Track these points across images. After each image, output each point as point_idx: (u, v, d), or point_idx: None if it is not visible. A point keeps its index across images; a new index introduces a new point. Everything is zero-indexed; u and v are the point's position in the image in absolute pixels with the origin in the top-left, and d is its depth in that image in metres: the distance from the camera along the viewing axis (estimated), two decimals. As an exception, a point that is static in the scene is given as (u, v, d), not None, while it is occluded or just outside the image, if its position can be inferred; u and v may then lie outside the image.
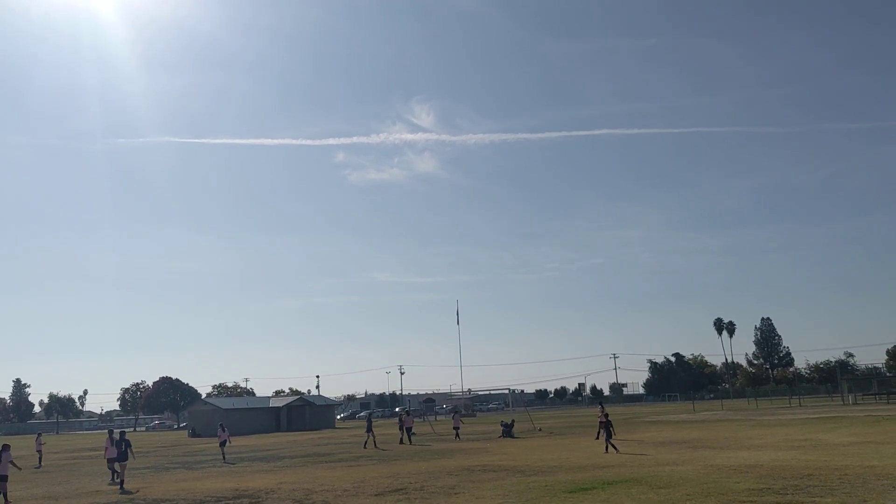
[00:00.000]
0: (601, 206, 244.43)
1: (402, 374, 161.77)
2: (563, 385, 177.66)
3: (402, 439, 37.19)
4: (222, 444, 34.87)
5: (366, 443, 38.03)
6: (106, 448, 25.97)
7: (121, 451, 22.85)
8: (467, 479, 19.83)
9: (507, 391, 58.83)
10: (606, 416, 27.67)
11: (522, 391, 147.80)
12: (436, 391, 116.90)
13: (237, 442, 54.23)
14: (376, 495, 17.15)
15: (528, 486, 17.24)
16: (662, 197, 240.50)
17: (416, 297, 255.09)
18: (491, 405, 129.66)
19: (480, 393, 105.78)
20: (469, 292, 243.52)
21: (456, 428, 42.76)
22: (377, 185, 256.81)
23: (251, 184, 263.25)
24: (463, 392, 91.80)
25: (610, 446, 26.07)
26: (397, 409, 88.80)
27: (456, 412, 39.90)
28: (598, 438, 31.28)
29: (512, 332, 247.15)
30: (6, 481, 19.63)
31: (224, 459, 33.25)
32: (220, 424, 36.89)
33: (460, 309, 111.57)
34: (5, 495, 19.65)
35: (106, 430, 31.63)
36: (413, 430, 42.09)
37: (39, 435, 29.23)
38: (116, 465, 23.83)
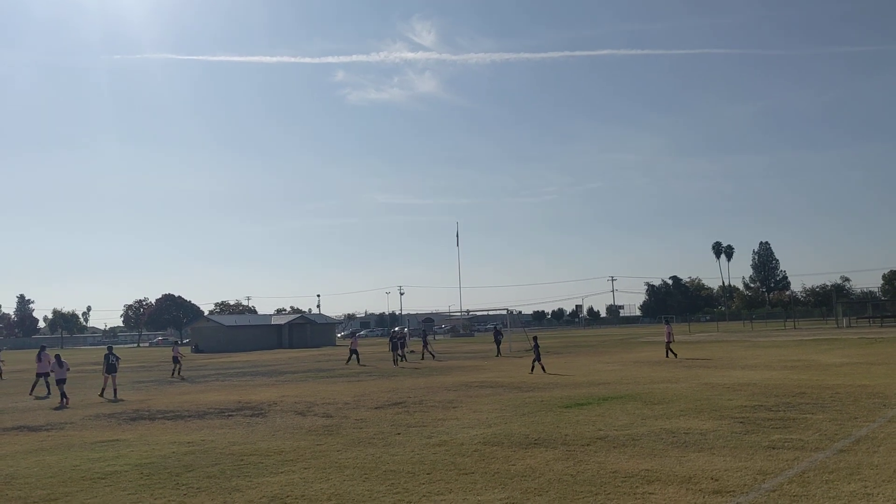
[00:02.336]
0: (600, 130, 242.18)
1: (401, 294, 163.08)
2: (561, 307, 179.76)
3: (395, 359, 37.69)
4: (175, 359, 34.87)
5: (348, 360, 38.98)
6: (38, 363, 26.62)
7: (109, 363, 24.85)
8: (465, 394, 20.19)
9: (504, 312, 59.28)
10: (535, 339, 28.12)
11: (520, 312, 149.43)
12: (435, 311, 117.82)
13: (240, 357, 55.02)
14: (376, 408, 17.49)
15: (524, 402, 17.56)
16: (662, 121, 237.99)
17: (415, 219, 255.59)
18: (489, 326, 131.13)
19: (479, 314, 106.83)
20: (468, 215, 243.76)
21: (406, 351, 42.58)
22: (377, 106, 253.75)
23: (249, 103, 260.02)
24: (461, 313, 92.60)
25: (538, 367, 26.59)
26: (395, 329, 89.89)
27: (399, 339, 38.80)
28: (668, 357, 31.44)
29: (510, 255, 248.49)
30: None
31: (176, 375, 33.86)
32: (174, 343, 37.84)
33: (460, 230, 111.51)
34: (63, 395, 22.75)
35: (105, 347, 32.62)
36: (408, 350, 42.57)
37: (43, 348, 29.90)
38: (109, 379, 24.95)
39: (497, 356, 40.65)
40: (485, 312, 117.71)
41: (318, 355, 41.01)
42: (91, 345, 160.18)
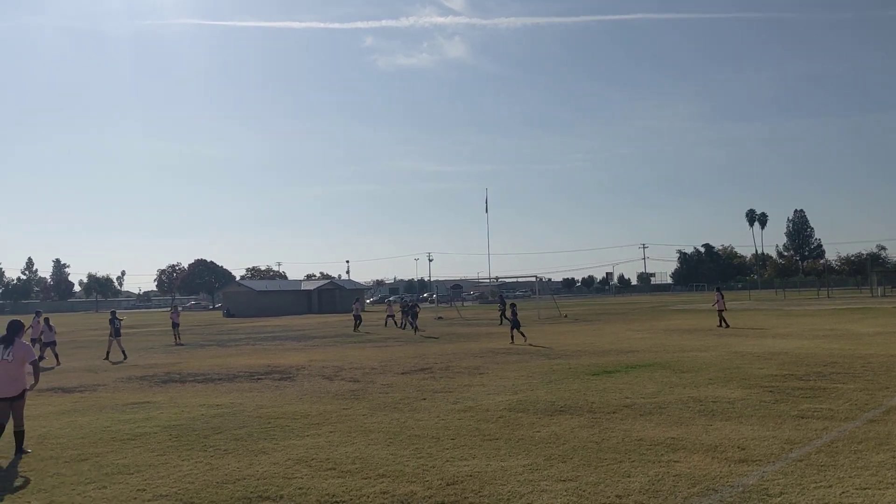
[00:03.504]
0: (630, 96, 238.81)
1: (430, 261, 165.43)
2: (591, 274, 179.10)
3: (403, 324, 37.63)
4: (175, 325, 34.39)
5: (355, 327, 38.37)
6: (31, 328, 26.30)
7: (115, 327, 26.03)
8: (491, 360, 20.24)
9: (533, 279, 59.11)
10: (514, 306, 27.24)
11: (549, 279, 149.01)
12: (464, 278, 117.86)
13: (270, 322, 55.60)
14: (402, 374, 17.60)
15: (551, 369, 17.56)
16: (693, 86, 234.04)
17: (444, 186, 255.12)
18: (517, 293, 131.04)
19: (507, 280, 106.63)
20: (497, 182, 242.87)
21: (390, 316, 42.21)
22: (406, 71, 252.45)
23: (277, 68, 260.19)
24: (490, 279, 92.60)
25: (519, 335, 25.90)
26: (405, 298, 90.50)
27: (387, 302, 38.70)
28: (720, 326, 31.07)
29: (540, 221, 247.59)
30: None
31: (179, 340, 33.51)
32: (175, 307, 36.88)
33: (489, 197, 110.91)
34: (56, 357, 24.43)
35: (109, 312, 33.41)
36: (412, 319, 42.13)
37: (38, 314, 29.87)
38: (115, 343, 26.07)
39: (500, 325, 40.64)
40: (514, 279, 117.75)
41: (346, 321, 41.35)
42: (126, 308, 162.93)
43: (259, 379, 17.42)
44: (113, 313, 26.94)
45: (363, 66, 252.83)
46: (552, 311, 49.49)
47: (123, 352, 25.93)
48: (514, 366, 18.55)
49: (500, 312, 42.70)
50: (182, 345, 31.88)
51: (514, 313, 26.45)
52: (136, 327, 54.24)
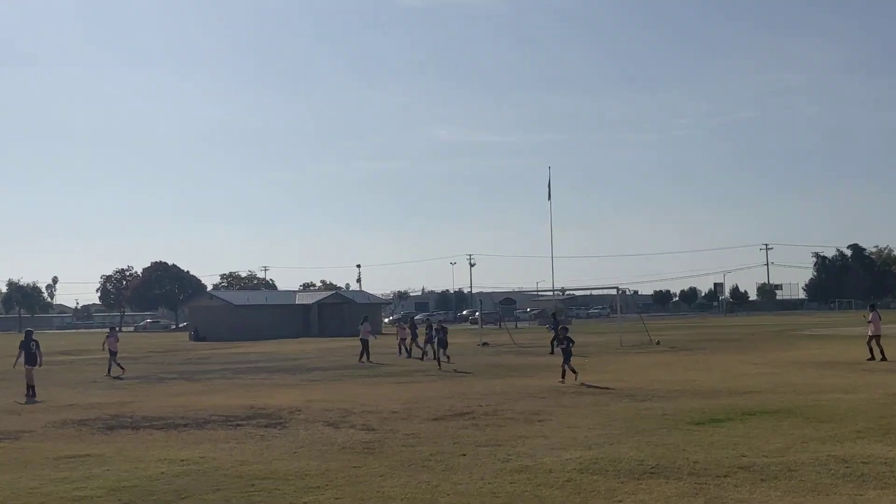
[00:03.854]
0: (755, 40, 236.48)
1: (471, 266, 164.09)
2: (693, 286, 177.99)
3: (423, 353, 37.83)
4: (112, 354, 34.50)
5: (361, 356, 38.68)
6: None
7: (30, 352, 25.83)
8: (555, 402, 20.27)
9: (614, 292, 59.00)
10: (564, 329, 26.81)
11: (636, 292, 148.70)
12: (518, 290, 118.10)
13: (253, 348, 56.04)
14: (433, 420, 17.67)
15: (638, 414, 17.52)
16: (841, 26, 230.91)
17: (490, 164, 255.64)
18: (592, 310, 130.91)
19: (577, 293, 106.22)
20: (565, 158, 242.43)
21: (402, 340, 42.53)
22: (440, 6, 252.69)
23: (264, 9, 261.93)
24: (554, 292, 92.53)
25: (568, 370, 25.29)
26: (417, 317, 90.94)
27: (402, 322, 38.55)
28: (872, 358, 30.73)
29: (623, 213, 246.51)
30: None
31: (109, 373, 33.47)
32: (111, 328, 37.12)
33: (553, 179, 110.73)
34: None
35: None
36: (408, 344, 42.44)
37: None
38: (33, 373, 25.77)
39: (552, 354, 40.49)
40: (586, 292, 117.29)
41: (357, 346, 41.33)
42: (59, 327, 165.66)
43: (239, 425, 17.60)
44: (28, 333, 26.92)
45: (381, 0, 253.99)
46: (639, 336, 49.23)
47: (30, 387, 25.24)
48: (586, 410, 18.53)
49: (552, 338, 42.40)
50: (121, 378, 32.13)
51: (564, 340, 25.83)
52: (72, 353, 55.05)
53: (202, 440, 15.72)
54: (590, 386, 24.00)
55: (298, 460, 13.30)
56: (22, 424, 18.87)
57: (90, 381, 30.90)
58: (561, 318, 47.36)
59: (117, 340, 35.68)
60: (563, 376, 25.32)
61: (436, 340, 36.30)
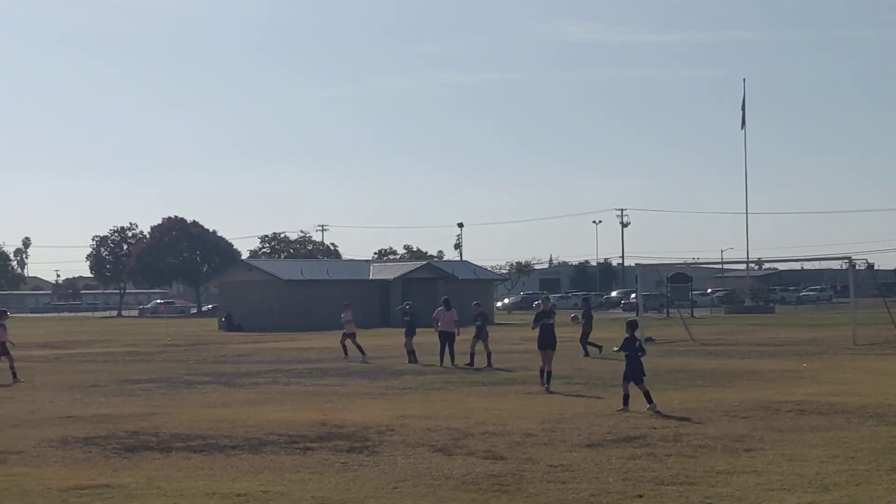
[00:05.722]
0: None
1: (623, 225, 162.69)
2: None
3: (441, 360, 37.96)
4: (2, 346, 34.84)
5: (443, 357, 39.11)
6: None
7: None
8: (766, 424, 20.24)
9: (840, 264, 58.18)
10: (631, 325, 25.12)
11: (871, 265, 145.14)
12: (693, 261, 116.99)
13: (311, 341, 56.49)
14: (588, 446, 17.81)
15: (893, 444, 17.44)
16: None
17: (646, 73, 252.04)
18: (806, 291, 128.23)
19: (781, 266, 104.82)
20: (761, 67, 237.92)
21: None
22: None
23: None
24: (748, 265, 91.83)
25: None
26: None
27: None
28: None
29: (847, 152, 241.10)
30: None
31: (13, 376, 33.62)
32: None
33: (747, 97, 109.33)
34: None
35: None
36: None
37: None
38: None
39: (585, 357, 40.15)
40: (795, 265, 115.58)
41: (460, 339, 41.05)
42: (32, 310, 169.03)
43: (309, 449, 17.98)
44: (2, 314, 28.48)
45: None
46: (882, 329, 48.46)
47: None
48: (813, 436, 18.49)
49: (582, 334, 41.91)
50: (18, 380, 32.51)
51: (630, 345, 24.57)
52: (58, 346, 56.37)
53: (261, 468, 16.11)
54: (810, 402, 23.87)
55: (402, 499, 13.54)
56: (6, 443, 19.40)
57: (90, 386, 31.68)
58: (599, 304, 47.30)
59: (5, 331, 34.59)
60: (626, 402, 23.45)
61: (476, 328, 37.68)
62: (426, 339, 40.57)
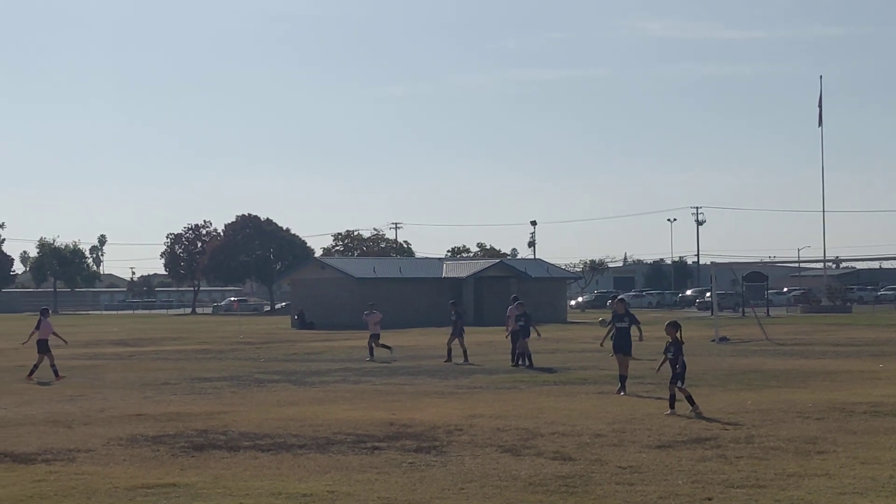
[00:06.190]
0: None
1: (698, 223, 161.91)
2: None
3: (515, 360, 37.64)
4: (43, 346, 34.87)
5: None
6: None
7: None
8: (839, 426, 20.08)
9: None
10: (673, 326, 24.48)
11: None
12: (768, 259, 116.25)
13: (384, 339, 56.67)
14: (659, 447, 17.73)
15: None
16: None
17: (726, 72, 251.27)
18: (884, 289, 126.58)
19: (858, 265, 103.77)
20: (840, 63, 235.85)
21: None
22: None
23: None
24: (825, 263, 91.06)
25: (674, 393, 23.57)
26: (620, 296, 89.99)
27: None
28: None
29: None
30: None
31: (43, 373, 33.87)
32: (43, 310, 36.82)
33: (824, 94, 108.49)
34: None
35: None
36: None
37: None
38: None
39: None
40: (872, 263, 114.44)
41: (531, 339, 41.20)
42: (108, 307, 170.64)
43: (377, 448, 18.01)
44: (44, 312, 28.72)
45: None
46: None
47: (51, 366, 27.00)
48: (888, 438, 18.34)
49: (607, 335, 41.44)
50: (60, 377, 32.87)
51: (673, 346, 24.09)
52: (130, 343, 56.95)
53: (328, 468, 16.13)
54: (886, 404, 23.64)
55: (469, 500, 13.51)
56: (76, 441, 19.64)
57: (161, 384, 32.06)
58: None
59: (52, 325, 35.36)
60: (693, 401, 23.10)
61: (519, 328, 37.53)
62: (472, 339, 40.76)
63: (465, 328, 41.00)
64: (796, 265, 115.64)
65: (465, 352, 40.35)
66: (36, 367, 33.20)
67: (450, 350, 40.20)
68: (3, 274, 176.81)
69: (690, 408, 22.63)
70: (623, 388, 27.06)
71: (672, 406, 22.94)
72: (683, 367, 23.33)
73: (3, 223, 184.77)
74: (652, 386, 28.58)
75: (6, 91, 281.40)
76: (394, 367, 37.61)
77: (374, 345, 42.72)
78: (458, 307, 42.38)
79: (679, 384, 23.00)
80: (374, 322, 43.35)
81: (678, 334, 23.78)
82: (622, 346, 28.56)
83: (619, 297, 41.81)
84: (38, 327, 33.67)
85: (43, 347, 33.31)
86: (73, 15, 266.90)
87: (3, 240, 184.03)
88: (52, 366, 33.28)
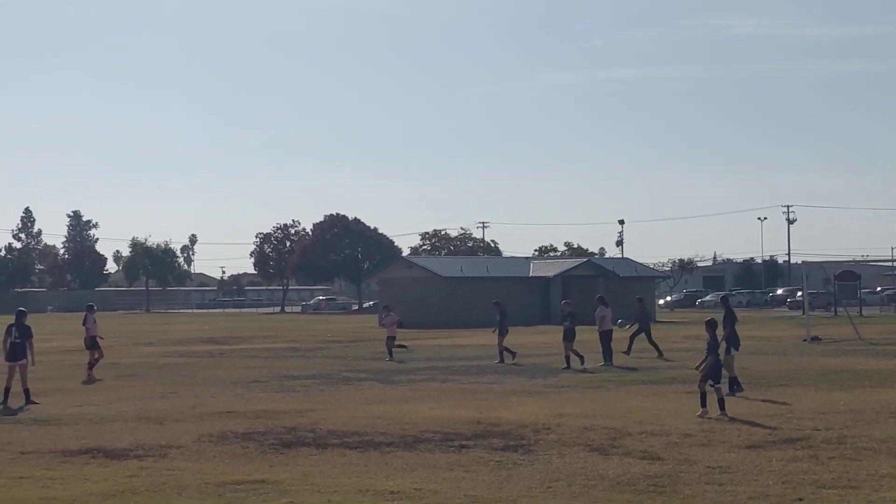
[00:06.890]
0: None
1: (789, 222, 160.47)
2: None
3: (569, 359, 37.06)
4: (92, 342, 34.91)
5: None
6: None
7: (13, 343, 26.56)
8: (934, 427, 19.84)
9: None
10: (712, 325, 23.61)
11: None
12: (861, 258, 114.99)
13: (471, 338, 56.67)
14: (749, 447, 17.63)
15: None
16: None
17: (817, 69, 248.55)
18: None
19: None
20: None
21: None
22: None
23: None
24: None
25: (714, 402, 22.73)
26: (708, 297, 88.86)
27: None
28: None
29: None
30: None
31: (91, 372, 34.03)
32: (89, 307, 36.98)
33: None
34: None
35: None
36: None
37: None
38: (16, 371, 26.66)
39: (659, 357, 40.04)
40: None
41: (618, 337, 41.00)
42: (199, 306, 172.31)
43: (464, 446, 18.07)
44: (20, 314, 27.87)
45: None
46: None
47: (26, 392, 26.35)
48: (985, 440, 18.08)
49: (632, 335, 40.85)
50: (94, 379, 32.99)
51: (712, 347, 23.34)
52: (221, 342, 57.42)
53: (415, 465, 16.21)
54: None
55: (556, 499, 13.52)
56: (168, 437, 19.96)
57: (251, 381, 32.32)
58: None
59: (96, 322, 35.99)
60: (723, 406, 22.50)
61: (564, 330, 37.47)
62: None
63: (553, 326, 40.92)
64: (890, 264, 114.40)
65: (501, 352, 40.00)
66: (93, 362, 33.91)
67: (503, 351, 40.01)
68: (96, 273, 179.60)
69: (701, 409, 22.31)
70: (732, 390, 26.49)
71: (723, 408, 22.30)
72: (717, 365, 22.87)
73: (96, 223, 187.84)
74: (744, 386, 28.40)
75: (101, 95, 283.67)
76: (482, 365, 37.60)
77: (391, 347, 43.23)
78: (502, 307, 42.19)
79: (712, 383, 22.49)
80: (392, 323, 44.15)
81: (715, 332, 23.56)
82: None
83: (722, 295, 41.50)
84: (84, 322, 35.40)
85: (92, 343, 34.34)
86: (169, 17, 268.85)
87: (97, 239, 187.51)
88: (91, 362, 33.97)
